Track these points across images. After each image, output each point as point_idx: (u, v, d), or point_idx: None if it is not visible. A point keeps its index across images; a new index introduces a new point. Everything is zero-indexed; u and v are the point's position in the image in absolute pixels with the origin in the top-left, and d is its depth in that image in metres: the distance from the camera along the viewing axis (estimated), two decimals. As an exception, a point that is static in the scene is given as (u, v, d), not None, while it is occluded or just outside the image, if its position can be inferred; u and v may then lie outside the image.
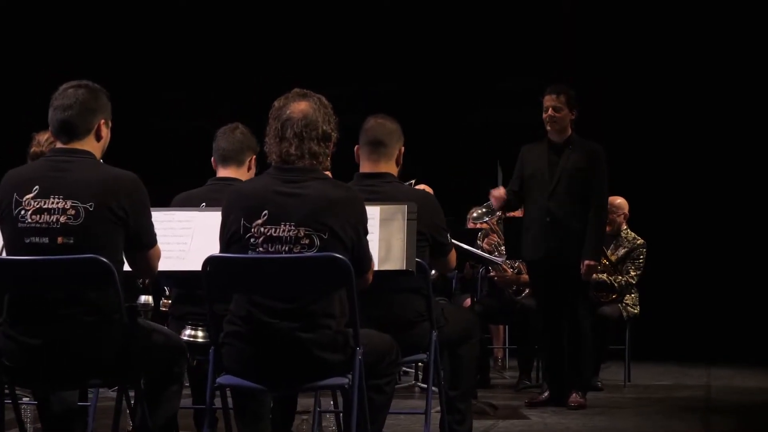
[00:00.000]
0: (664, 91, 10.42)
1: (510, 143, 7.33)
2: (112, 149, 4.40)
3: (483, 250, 7.66)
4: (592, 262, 6.75)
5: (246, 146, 5.23)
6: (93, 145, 4.14)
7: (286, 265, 3.89)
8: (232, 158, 5.21)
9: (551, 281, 6.90)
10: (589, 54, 10.53)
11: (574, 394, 6.78)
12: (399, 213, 4.73)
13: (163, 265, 4.39)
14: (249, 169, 5.24)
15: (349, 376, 3.93)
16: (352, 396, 3.91)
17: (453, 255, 5.12)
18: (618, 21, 10.51)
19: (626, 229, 8.05)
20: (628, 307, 7.95)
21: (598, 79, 10.48)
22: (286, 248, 3.92)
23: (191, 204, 5.02)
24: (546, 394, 6.95)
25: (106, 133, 4.19)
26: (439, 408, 5.03)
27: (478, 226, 7.85)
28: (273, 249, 3.92)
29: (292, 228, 3.93)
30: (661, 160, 10.36)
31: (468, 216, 7.94)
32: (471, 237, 7.67)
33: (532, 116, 7.12)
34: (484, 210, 7.80)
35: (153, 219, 4.34)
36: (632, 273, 7.94)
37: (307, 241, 3.92)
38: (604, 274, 7.85)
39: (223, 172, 5.21)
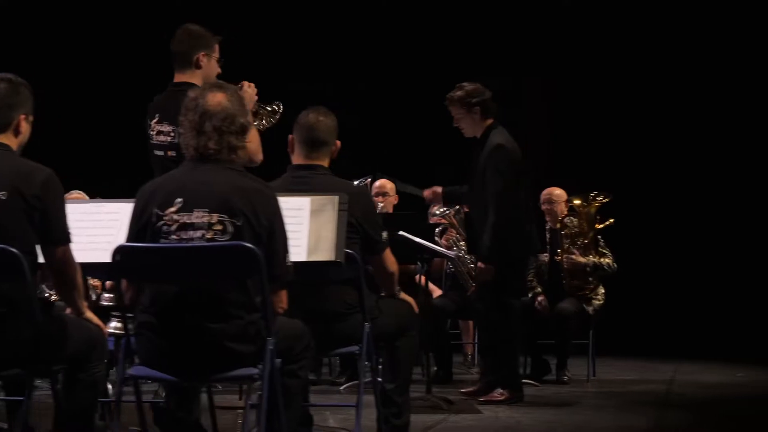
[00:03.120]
0: (631, 89, 10.34)
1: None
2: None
3: (441, 247, 7.63)
4: (482, 265, 6.66)
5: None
6: (11, 140, 4.15)
7: (196, 254, 3.88)
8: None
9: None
10: (579, 51, 10.50)
11: (497, 390, 6.75)
12: (329, 204, 4.73)
13: (91, 257, 4.41)
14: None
15: (260, 366, 3.91)
16: (263, 386, 3.89)
17: (389, 255, 5.04)
18: (595, 23, 10.46)
19: (570, 218, 8.00)
20: (593, 300, 7.90)
21: (583, 76, 10.47)
22: (199, 234, 3.91)
23: None
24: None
25: (25, 128, 4.19)
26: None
27: (437, 221, 7.83)
28: (186, 236, 3.91)
29: (206, 214, 3.91)
30: (628, 157, 10.30)
31: (429, 212, 7.94)
32: (430, 232, 7.65)
33: (506, 115, 7.11)
34: (444, 208, 7.80)
35: (82, 211, 4.32)
36: (607, 252, 7.94)
37: (220, 227, 3.91)
38: (590, 257, 7.85)
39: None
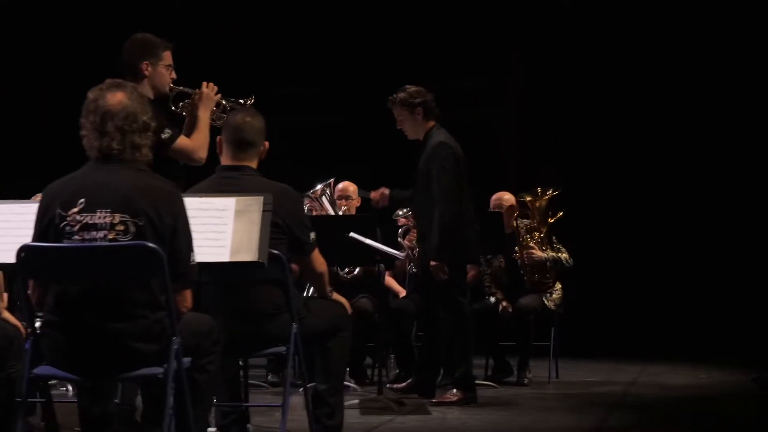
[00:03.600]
0: (599, 91, 10.37)
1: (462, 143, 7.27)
2: (79, 155, 4.39)
3: (404, 248, 7.65)
4: (434, 262, 6.67)
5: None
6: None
7: (99, 254, 3.89)
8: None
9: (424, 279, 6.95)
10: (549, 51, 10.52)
11: (451, 391, 6.75)
12: (255, 204, 4.73)
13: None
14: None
15: (165, 365, 3.93)
16: (167, 385, 3.90)
17: (317, 256, 5.03)
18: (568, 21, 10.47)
19: (520, 219, 8.01)
20: (553, 295, 7.89)
21: (552, 75, 10.48)
22: (102, 235, 3.92)
23: None
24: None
25: None
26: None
27: (402, 223, 7.85)
28: (89, 237, 3.93)
29: (108, 214, 3.93)
30: (590, 156, 10.29)
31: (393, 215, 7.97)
32: (392, 234, 7.71)
33: (485, 115, 7.13)
34: (407, 209, 7.82)
35: (9, 211, 4.33)
36: (561, 247, 7.95)
37: (122, 228, 3.93)
38: (548, 251, 7.87)
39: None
